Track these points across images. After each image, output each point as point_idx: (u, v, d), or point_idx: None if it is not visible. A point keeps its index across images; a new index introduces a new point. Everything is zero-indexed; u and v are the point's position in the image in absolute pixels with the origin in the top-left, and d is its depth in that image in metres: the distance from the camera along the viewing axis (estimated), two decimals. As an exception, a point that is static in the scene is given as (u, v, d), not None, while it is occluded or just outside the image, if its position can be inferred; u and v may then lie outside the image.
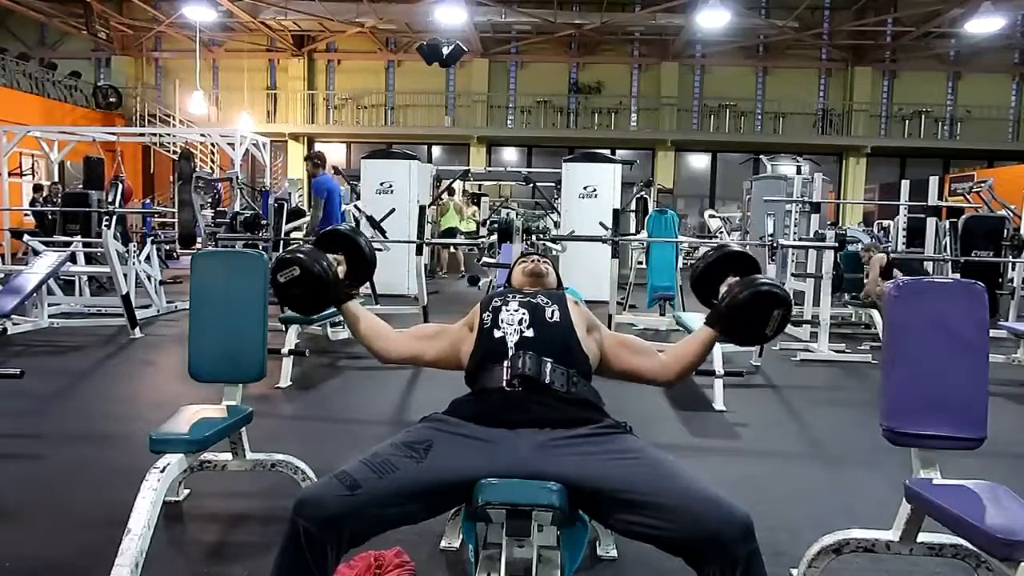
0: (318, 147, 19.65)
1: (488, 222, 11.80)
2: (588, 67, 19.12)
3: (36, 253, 6.73)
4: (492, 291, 2.61)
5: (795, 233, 7.56)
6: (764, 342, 1.87)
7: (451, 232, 11.88)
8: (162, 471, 1.92)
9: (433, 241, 9.82)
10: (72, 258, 6.97)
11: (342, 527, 1.41)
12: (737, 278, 1.83)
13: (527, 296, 1.87)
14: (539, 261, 2.14)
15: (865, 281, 6.29)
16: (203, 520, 2.46)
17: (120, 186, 6.33)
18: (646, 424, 3.59)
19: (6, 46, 17.54)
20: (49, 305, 6.31)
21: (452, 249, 12.56)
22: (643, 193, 9.80)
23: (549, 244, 7.14)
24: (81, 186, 10.87)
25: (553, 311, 1.81)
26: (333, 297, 1.92)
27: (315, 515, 1.40)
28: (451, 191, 12.45)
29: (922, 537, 1.83)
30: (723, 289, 1.84)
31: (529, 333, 1.75)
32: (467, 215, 12.67)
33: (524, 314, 1.79)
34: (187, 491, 2.59)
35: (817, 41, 18.53)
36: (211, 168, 16.02)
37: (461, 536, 2.17)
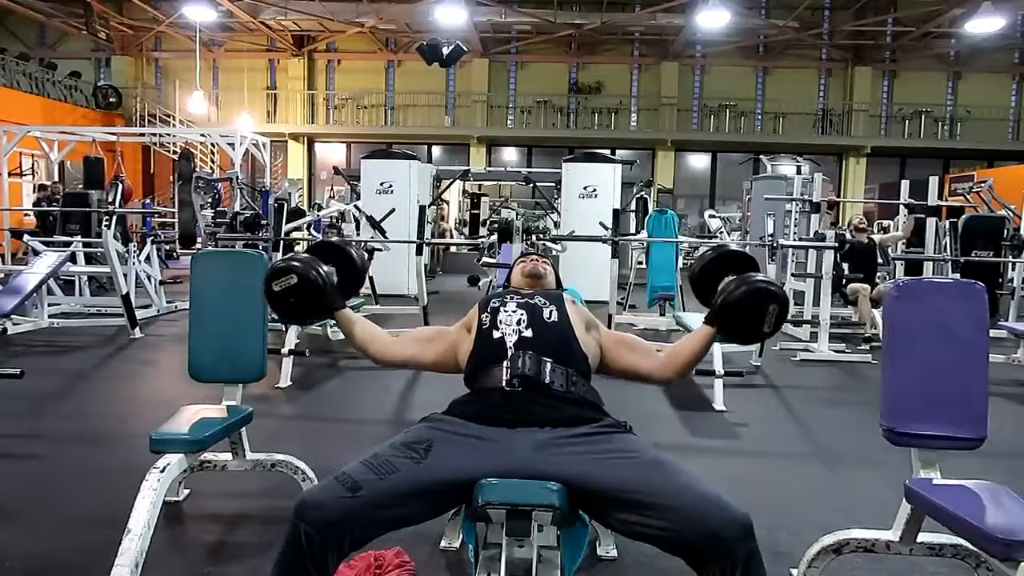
0: (318, 147, 19.69)
1: (488, 222, 11.77)
2: (588, 67, 19.11)
3: (36, 253, 6.73)
4: (491, 291, 2.61)
5: (795, 233, 7.56)
6: (762, 339, 1.85)
7: None
8: (162, 471, 1.92)
9: (433, 241, 9.81)
10: (72, 258, 6.97)
11: (343, 530, 1.41)
12: (734, 276, 1.84)
13: (525, 297, 1.86)
14: (538, 262, 2.12)
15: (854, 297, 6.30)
16: (203, 520, 2.46)
17: (120, 186, 6.33)
18: (646, 424, 3.59)
19: (6, 46, 17.53)
20: (49, 305, 6.30)
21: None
22: (643, 193, 9.79)
23: (549, 244, 7.13)
24: (81, 186, 10.87)
25: (551, 311, 1.81)
26: (328, 306, 1.90)
27: (316, 518, 1.40)
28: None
29: (922, 537, 1.83)
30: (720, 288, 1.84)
31: (528, 333, 1.75)
32: None
33: (522, 315, 1.79)
34: (187, 491, 2.59)
35: (817, 41, 18.52)
36: (211, 168, 16.03)
37: (461, 536, 2.17)
